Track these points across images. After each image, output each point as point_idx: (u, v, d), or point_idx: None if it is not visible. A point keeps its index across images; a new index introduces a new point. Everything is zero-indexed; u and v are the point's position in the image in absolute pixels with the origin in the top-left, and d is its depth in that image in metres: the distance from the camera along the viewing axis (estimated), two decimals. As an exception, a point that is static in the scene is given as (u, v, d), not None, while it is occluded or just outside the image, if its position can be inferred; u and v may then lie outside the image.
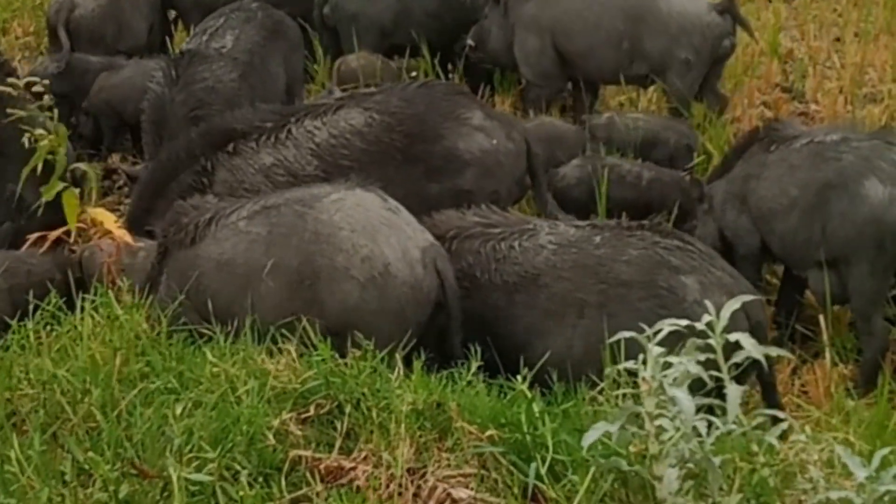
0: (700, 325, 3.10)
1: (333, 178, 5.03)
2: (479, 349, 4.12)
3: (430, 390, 3.60)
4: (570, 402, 3.73)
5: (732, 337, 3.07)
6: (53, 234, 4.90)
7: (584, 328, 4.46)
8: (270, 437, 3.39)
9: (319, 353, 3.77)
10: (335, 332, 4.11)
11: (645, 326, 3.13)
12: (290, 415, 3.51)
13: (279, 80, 6.85)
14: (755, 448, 3.13)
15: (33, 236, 5.01)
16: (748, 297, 3.37)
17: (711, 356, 3.07)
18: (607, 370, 3.71)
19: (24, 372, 3.83)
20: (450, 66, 7.79)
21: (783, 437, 3.23)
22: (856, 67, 8.25)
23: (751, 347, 3.04)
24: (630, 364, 3.12)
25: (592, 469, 3.14)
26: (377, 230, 4.35)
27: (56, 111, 5.26)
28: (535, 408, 3.47)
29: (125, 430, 3.44)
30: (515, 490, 3.25)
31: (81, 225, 5.00)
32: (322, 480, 3.30)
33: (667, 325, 3.11)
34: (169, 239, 4.65)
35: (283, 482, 3.28)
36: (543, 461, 3.26)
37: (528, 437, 3.37)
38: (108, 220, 4.59)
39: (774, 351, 3.31)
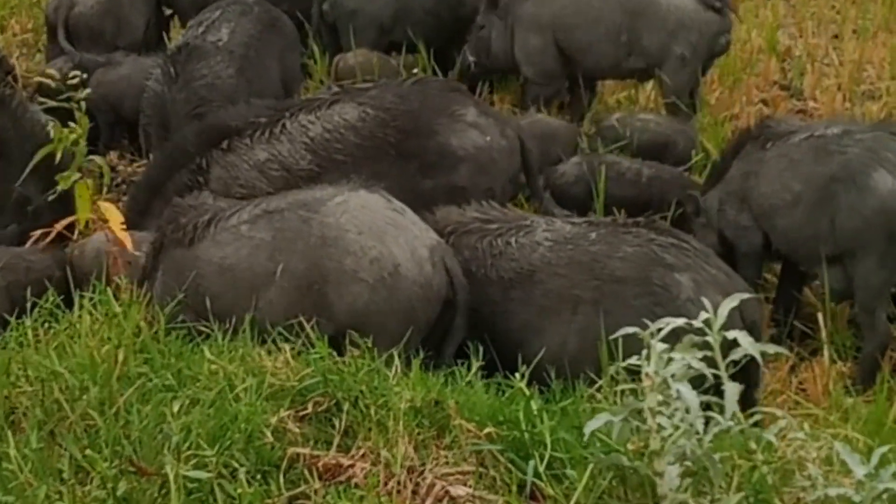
0: (697, 323, 3.10)
1: (327, 172, 5.04)
2: (479, 348, 4.13)
3: (429, 388, 3.61)
4: (569, 399, 3.73)
5: (730, 335, 3.07)
6: (60, 225, 4.88)
7: (579, 325, 4.47)
8: (269, 434, 3.38)
9: (317, 350, 3.77)
10: (345, 335, 4.12)
11: (648, 323, 3.13)
12: (288, 412, 3.50)
13: (275, 75, 6.85)
14: (754, 445, 3.13)
15: (37, 232, 5.00)
16: (745, 295, 3.37)
17: (708, 354, 3.07)
18: (607, 367, 3.72)
19: (21, 369, 3.82)
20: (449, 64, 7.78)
21: (782, 434, 3.23)
22: (854, 65, 8.25)
23: (748, 345, 3.04)
24: (630, 361, 3.12)
25: (591, 466, 3.14)
26: (384, 231, 4.35)
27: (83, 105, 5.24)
28: (534, 405, 3.48)
29: (123, 428, 3.43)
30: (514, 487, 3.25)
31: (91, 216, 5.00)
32: (320, 478, 3.30)
33: (667, 323, 3.11)
34: (166, 236, 4.65)
35: (282, 480, 3.28)
36: (542, 459, 3.26)
37: (527, 435, 3.37)
38: (115, 218, 4.57)
39: (772, 348, 3.30)
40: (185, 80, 6.38)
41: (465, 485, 3.25)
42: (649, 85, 7.72)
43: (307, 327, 4.07)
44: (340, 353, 3.86)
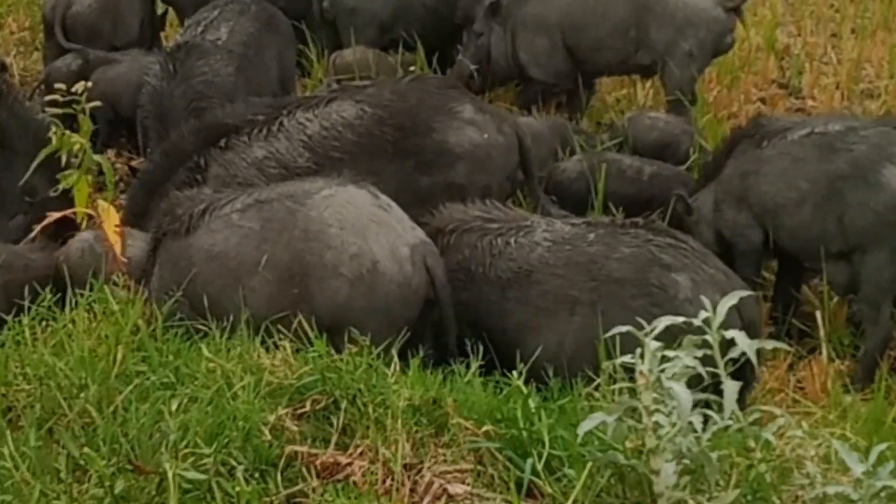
0: (697, 322, 3.10)
1: (325, 170, 5.04)
2: (479, 347, 4.13)
3: (427, 386, 3.60)
4: (566, 398, 3.73)
5: (728, 334, 3.07)
6: (53, 217, 4.85)
7: (576, 325, 4.47)
8: (266, 432, 3.38)
9: (315, 348, 3.77)
10: (325, 329, 4.11)
11: (644, 323, 3.13)
12: (285, 410, 3.50)
13: (273, 73, 6.85)
14: (752, 444, 3.13)
15: (39, 226, 4.99)
16: (743, 293, 3.37)
17: (707, 352, 3.07)
18: (604, 366, 3.72)
19: (19, 367, 3.82)
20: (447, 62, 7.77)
21: (780, 432, 3.23)
22: (852, 63, 8.25)
23: (745, 344, 3.04)
24: (627, 359, 3.11)
25: (589, 464, 3.14)
26: (366, 227, 4.36)
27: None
28: (532, 404, 3.47)
29: (121, 426, 3.43)
30: (512, 485, 3.24)
31: (90, 211, 4.99)
32: (318, 476, 3.29)
33: (663, 322, 3.10)
34: (163, 229, 4.65)
35: (279, 478, 3.27)
36: (540, 457, 3.25)
37: (525, 433, 3.36)
38: (111, 219, 4.56)
39: (770, 344, 3.30)
40: (183, 76, 6.39)
41: (463, 483, 3.25)
42: (648, 83, 7.73)
43: (292, 320, 4.09)
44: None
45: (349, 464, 3.31)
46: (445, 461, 3.33)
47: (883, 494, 2.92)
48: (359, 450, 3.36)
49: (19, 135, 5.77)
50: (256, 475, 3.26)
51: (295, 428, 3.45)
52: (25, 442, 3.35)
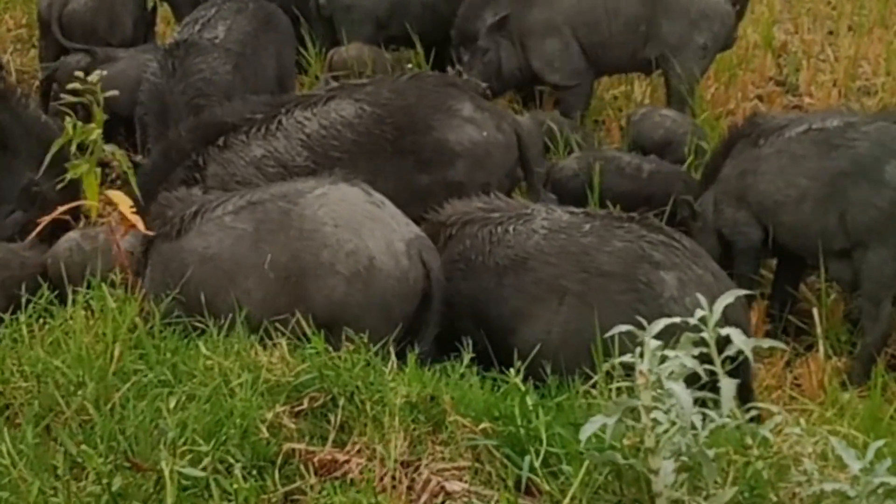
0: (693, 320, 3.10)
1: (324, 169, 5.03)
2: (469, 342, 4.12)
3: (424, 383, 3.60)
4: (564, 395, 3.73)
5: (724, 332, 3.07)
6: (56, 213, 4.85)
7: (564, 315, 4.47)
8: (264, 430, 3.38)
9: (313, 346, 3.77)
10: (323, 327, 4.11)
11: (639, 319, 3.13)
12: (283, 408, 3.50)
13: (271, 72, 6.85)
14: (749, 441, 3.13)
15: (43, 221, 4.99)
16: (739, 292, 3.35)
17: (704, 351, 3.07)
18: (601, 363, 3.72)
19: (16, 365, 3.82)
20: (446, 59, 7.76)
21: (777, 430, 3.23)
22: (849, 60, 8.26)
23: (742, 342, 3.04)
24: (626, 358, 3.12)
25: (587, 462, 3.14)
26: (361, 224, 4.36)
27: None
28: (529, 401, 3.47)
29: (118, 424, 3.43)
30: (509, 483, 3.25)
31: (95, 204, 4.99)
32: (316, 473, 3.30)
33: (663, 322, 3.11)
34: (154, 231, 4.64)
35: (277, 475, 3.27)
36: (537, 454, 3.25)
37: (522, 430, 3.36)
38: (124, 203, 4.55)
39: (767, 342, 3.30)
40: (182, 74, 6.38)
41: (460, 480, 3.25)
42: (646, 81, 7.73)
43: (291, 320, 4.09)
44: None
45: (347, 461, 3.31)
46: (443, 458, 3.33)
47: (880, 491, 2.93)
48: (356, 447, 3.36)
49: (21, 135, 5.76)
50: (254, 472, 3.26)
51: (293, 425, 3.45)
52: (23, 439, 3.34)
